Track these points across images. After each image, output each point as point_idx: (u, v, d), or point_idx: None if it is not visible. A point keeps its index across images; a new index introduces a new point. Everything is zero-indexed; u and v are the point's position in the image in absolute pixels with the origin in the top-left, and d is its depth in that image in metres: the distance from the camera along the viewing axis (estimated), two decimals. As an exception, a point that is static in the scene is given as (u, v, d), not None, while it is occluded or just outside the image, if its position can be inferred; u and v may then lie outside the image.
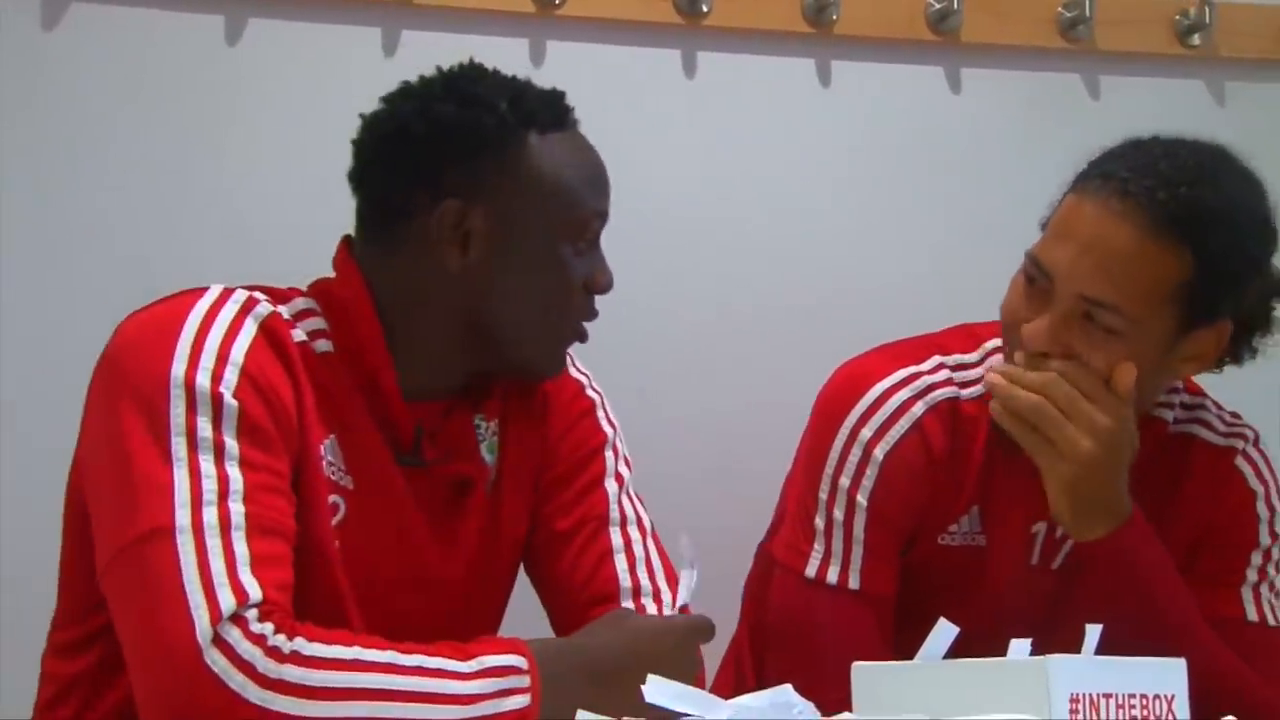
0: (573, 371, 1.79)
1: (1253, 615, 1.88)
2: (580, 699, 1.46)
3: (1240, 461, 1.91)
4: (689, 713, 1.29)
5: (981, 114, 2.51)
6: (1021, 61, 2.53)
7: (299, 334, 1.59)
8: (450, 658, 1.46)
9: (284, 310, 1.59)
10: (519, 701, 1.46)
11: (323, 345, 1.61)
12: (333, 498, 1.58)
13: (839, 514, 1.85)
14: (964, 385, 1.87)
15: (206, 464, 1.47)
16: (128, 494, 1.47)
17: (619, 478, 1.77)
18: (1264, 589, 1.89)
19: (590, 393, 1.80)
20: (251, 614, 1.42)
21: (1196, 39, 2.57)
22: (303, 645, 1.42)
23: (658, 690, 1.30)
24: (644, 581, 1.71)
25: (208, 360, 1.51)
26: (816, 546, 1.85)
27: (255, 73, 2.21)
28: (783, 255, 2.42)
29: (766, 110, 2.43)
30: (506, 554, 1.74)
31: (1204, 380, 1.94)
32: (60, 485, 1.62)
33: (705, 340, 2.38)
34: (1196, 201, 1.73)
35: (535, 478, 1.74)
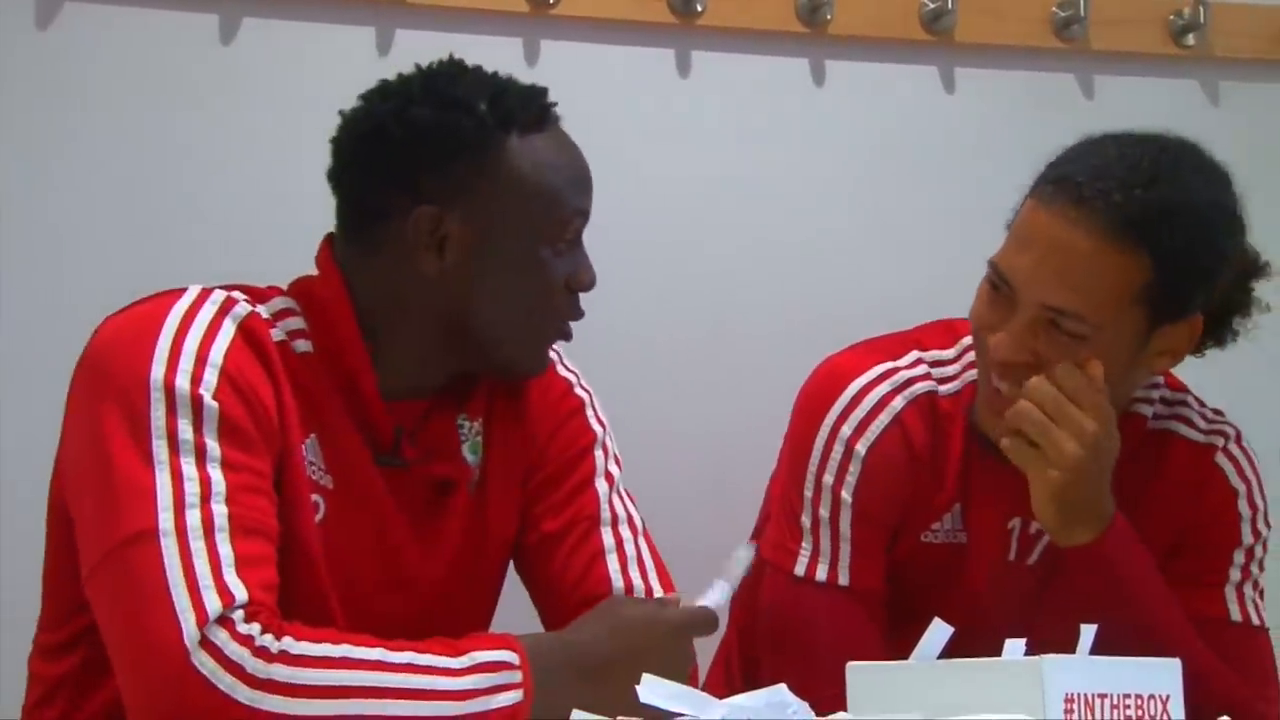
0: (560, 369, 1.78)
1: (1236, 615, 1.88)
2: (571, 693, 1.47)
3: (1221, 459, 1.91)
4: (683, 712, 1.29)
5: (976, 114, 2.51)
6: (1016, 61, 2.53)
7: (278, 334, 1.58)
8: (441, 654, 1.46)
9: (263, 310, 1.58)
10: (511, 697, 1.46)
11: (302, 345, 1.60)
12: (314, 497, 1.58)
13: (824, 511, 1.85)
14: (942, 381, 1.87)
15: (188, 466, 1.47)
16: (110, 498, 1.47)
17: (609, 477, 1.76)
18: (1247, 588, 1.89)
19: (579, 391, 1.79)
20: (238, 615, 1.42)
21: (1191, 39, 2.57)
22: (291, 644, 1.42)
23: (652, 690, 1.30)
24: (636, 581, 1.70)
25: (186, 362, 1.50)
26: (804, 545, 1.85)
27: (249, 72, 2.21)
28: (777, 255, 2.42)
29: (760, 110, 2.43)
30: (493, 554, 1.73)
31: (1201, 373, 1.93)
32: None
33: (699, 340, 2.38)
34: (1153, 202, 1.72)
35: (523, 477, 1.74)
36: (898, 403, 1.85)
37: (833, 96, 2.46)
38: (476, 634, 1.51)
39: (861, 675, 1.38)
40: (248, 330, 1.55)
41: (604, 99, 2.31)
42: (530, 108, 1.64)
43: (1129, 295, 1.73)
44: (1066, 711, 1.27)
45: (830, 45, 2.45)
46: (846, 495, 1.84)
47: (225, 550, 1.45)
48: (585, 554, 1.71)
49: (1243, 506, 1.90)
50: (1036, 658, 1.29)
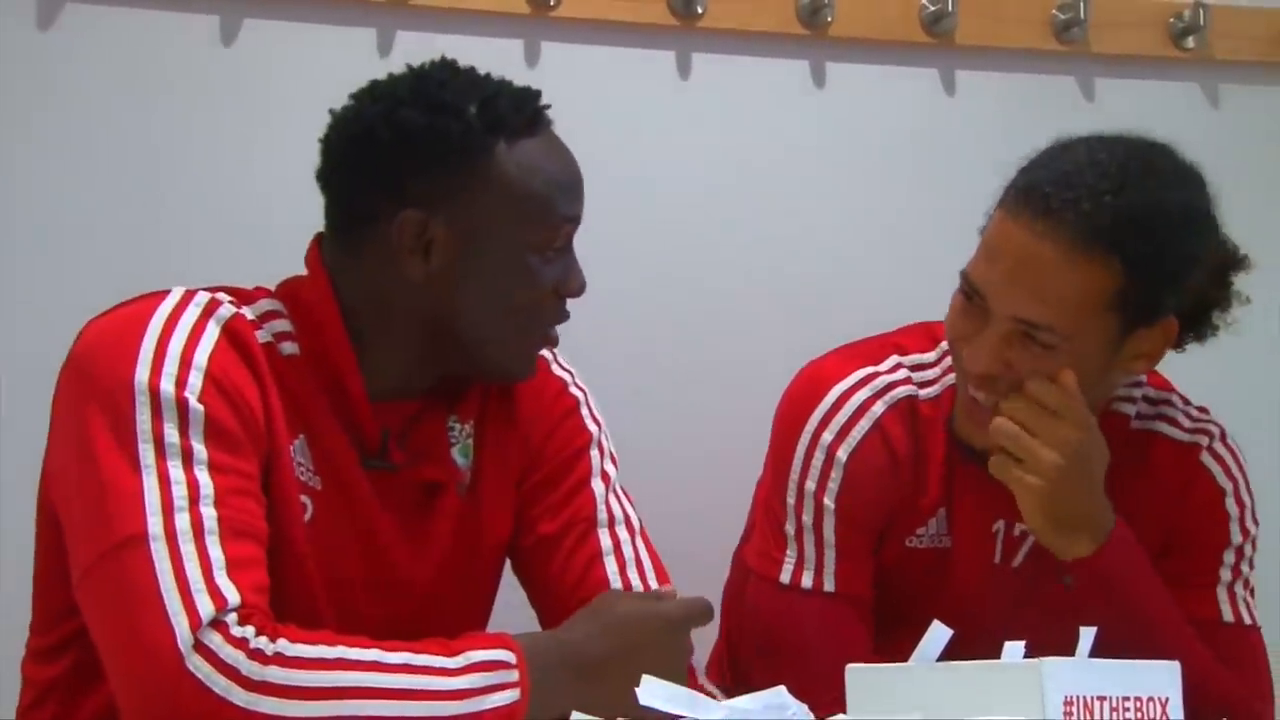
0: (555, 369, 1.78)
1: (1228, 616, 1.88)
2: (568, 691, 1.47)
3: (1206, 458, 1.91)
4: (683, 714, 1.29)
5: (976, 116, 2.51)
6: (1016, 64, 2.53)
7: (264, 335, 1.58)
8: (436, 654, 1.46)
9: (248, 312, 1.58)
10: (508, 696, 1.46)
11: (288, 347, 1.60)
12: (302, 498, 1.58)
13: (808, 519, 1.85)
14: (922, 385, 1.88)
15: (175, 470, 1.47)
16: (98, 504, 1.47)
17: (605, 476, 1.76)
18: (1238, 588, 1.89)
19: (573, 391, 1.78)
20: (231, 618, 1.42)
21: (1191, 41, 2.58)
22: (285, 646, 1.42)
23: (651, 692, 1.30)
24: (635, 582, 1.70)
25: (171, 365, 1.50)
26: (789, 553, 1.85)
27: (250, 73, 2.21)
28: (777, 256, 2.42)
29: (761, 112, 2.43)
30: (486, 557, 1.73)
31: (1193, 366, 1.93)
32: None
33: (699, 340, 2.38)
34: (1122, 209, 1.71)
35: (518, 479, 1.74)
36: (878, 408, 1.85)
37: (833, 99, 2.46)
38: (472, 634, 1.51)
39: (861, 677, 1.38)
40: (232, 332, 1.55)
41: (604, 101, 2.32)
42: (521, 112, 1.63)
43: (1100, 304, 1.73)
44: (1066, 714, 1.27)
45: (831, 47, 2.45)
46: (829, 502, 1.84)
47: (216, 553, 1.45)
48: (583, 556, 1.71)
49: (1230, 505, 1.90)
50: (1036, 660, 1.29)
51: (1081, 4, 2.49)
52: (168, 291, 1.57)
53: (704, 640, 1.87)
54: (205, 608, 1.41)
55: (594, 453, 1.76)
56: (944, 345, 1.89)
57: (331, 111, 1.66)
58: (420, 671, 1.44)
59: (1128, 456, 1.87)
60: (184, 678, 1.39)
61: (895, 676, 1.37)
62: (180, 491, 1.46)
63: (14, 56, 2.12)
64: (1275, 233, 2.65)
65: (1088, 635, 1.36)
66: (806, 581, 1.84)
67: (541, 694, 1.47)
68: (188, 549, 1.44)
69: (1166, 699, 1.33)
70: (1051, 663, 1.29)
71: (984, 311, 1.75)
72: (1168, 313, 1.78)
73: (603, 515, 1.73)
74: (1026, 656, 1.32)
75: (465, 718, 1.44)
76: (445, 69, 1.66)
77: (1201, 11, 2.55)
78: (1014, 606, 1.86)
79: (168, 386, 1.49)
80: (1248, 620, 1.89)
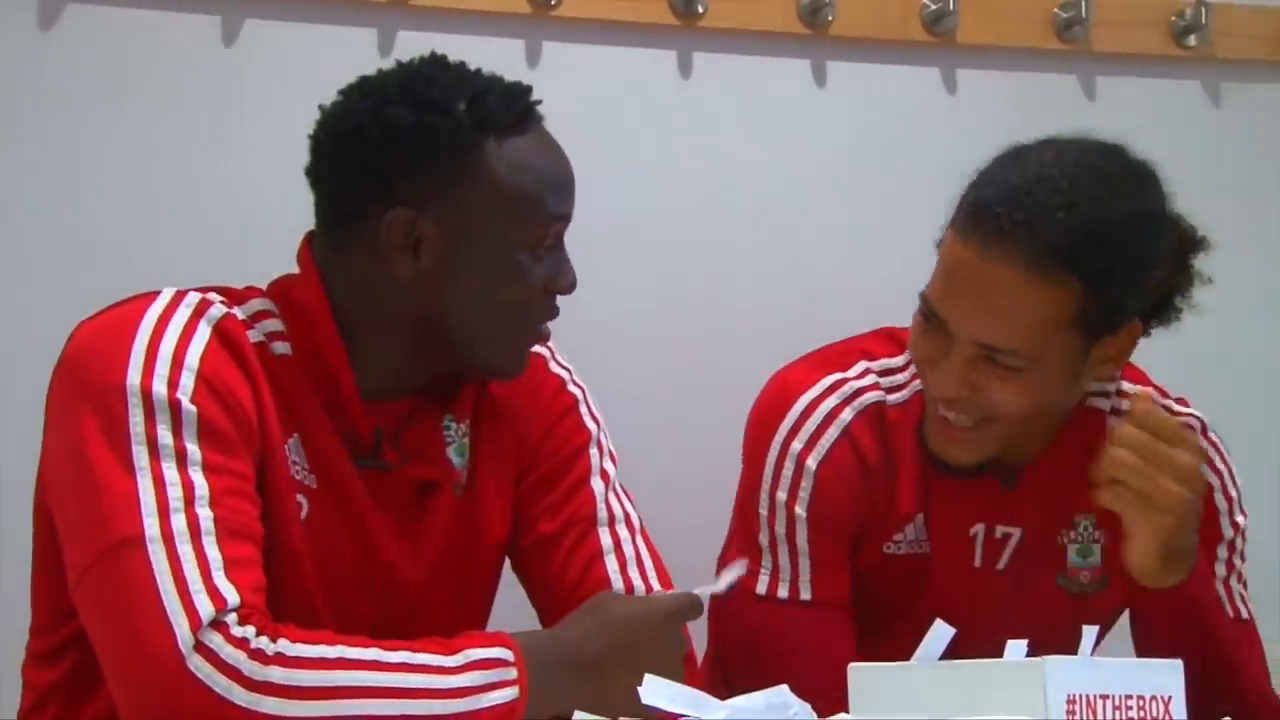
0: (552, 366, 1.77)
1: (1229, 612, 1.87)
2: (566, 690, 1.47)
3: None
4: (685, 713, 1.29)
5: (977, 115, 2.51)
6: (1017, 63, 2.53)
7: (255, 335, 1.58)
8: (435, 653, 1.46)
9: (239, 312, 1.58)
10: (507, 694, 1.46)
11: (280, 347, 1.60)
12: (298, 497, 1.58)
13: (780, 529, 1.84)
14: (890, 390, 1.87)
15: (170, 471, 1.46)
16: (92, 506, 1.47)
17: (604, 475, 1.75)
18: (1233, 582, 1.89)
19: (571, 388, 1.77)
20: (231, 618, 1.42)
21: (1193, 40, 2.57)
22: (286, 646, 1.42)
23: (653, 691, 1.30)
24: (636, 582, 1.70)
25: (163, 367, 1.50)
26: (764, 564, 1.84)
27: (251, 73, 2.21)
28: (778, 256, 2.42)
29: (762, 111, 2.43)
30: (483, 556, 1.72)
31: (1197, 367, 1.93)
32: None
33: (699, 340, 2.38)
34: (1074, 227, 1.69)
35: (516, 478, 1.73)
36: (846, 415, 1.85)
37: (834, 98, 2.46)
38: (469, 633, 1.51)
39: (863, 676, 1.38)
40: (223, 332, 1.55)
41: (605, 101, 2.31)
42: (511, 108, 1.62)
43: (1063, 322, 1.71)
44: (1069, 712, 1.27)
45: (832, 46, 2.45)
46: (801, 511, 1.84)
47: (213, 553, 1.44)
48: (583, 555, 1.71)
49: (1219, 500, 1.90)
50: (1038, 658, 1.29)
51: (1083, 3, 2.49)
52: (158, 292, 1.57)
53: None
54: (205, 608, 1.41)
55: (593, 451, 1.75)
56: None
57: (321, 108, 1.65)
58: (419, 670, 1.44)
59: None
60: (185, 678, 1.39)
61: (897, 675, 1.36)
62: (175, 493, 1.46)
63: (15, 57, 2.12)
64: (1277, 231, 2.65)
65: (1090, 634, 1.36)
66: (782, 592, 1.84)
67: (540, 692, 1.47)
68: (185, 550, 1.44)
69: (1169, 698, 1.33)
70: (1054, 661, 1.28)
71: (946, 333, 1.74)
72: (1131, 317, 1.77)
73: (602, 514, 1.73)
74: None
75: (465, 716, 1.44)
76: (434, 65, 1.65)
77: (1203, 10, 2.55)
78: (1001, 610, 1.84)
79: (160, 388, 1.49)
80: (1245, 615, 1.89)
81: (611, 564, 1.70)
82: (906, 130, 2.49)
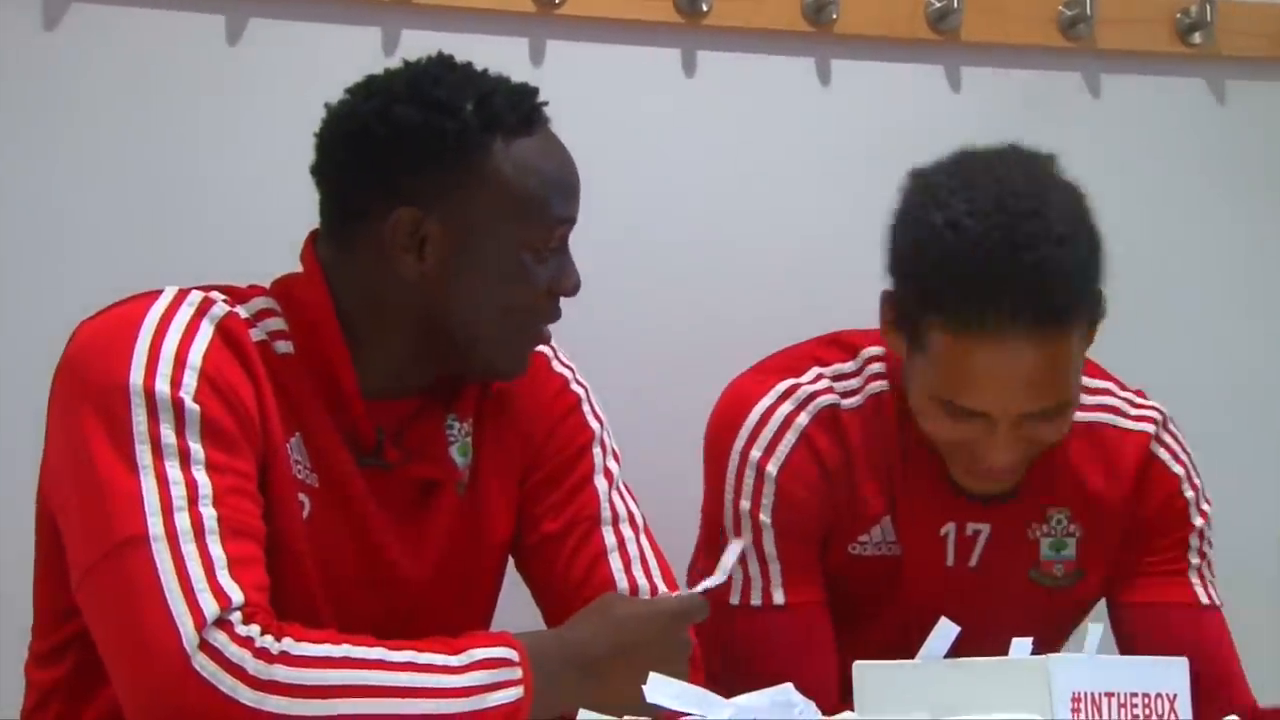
0: (555, 366, 1.77)
1: (1204, 599, 1.90)
2: (571, 689, 1.47)
3: (1156, 446, 1.92)
4: (689, 711, 1.29)
5: (982, 113, 2.51)
6: (1022, 60, 2.53)
7: (258, 334, 1.58)
8: (440, 652, 1.46)
9: (242, 310, 1.58)
10: (512, 694, 1.46)
11: (283, 346, 1.60)
12: (300, 496, 1.58)
13: (747, 538, 1.85)
14: (845, 395, 1.88)
15: (173, 470, 1.47)
16: (96, 506, 1.47)
17: (608, 474, 1.75)
18: (1205, 570, 1.92)
19: (575, 388, 1.78)
20: (235, 617, 1.42)
21: (1197, 37, 2.57)
22: (291, 645, 1.42)
23: (658, 689, 1.30)
24: (640, 581, 1.70)
25: (165, 366, 1.50)
26: (734, 574, 1.85)
27: (256, 72, 2.21)
28: (782, 254, 2.42)
29: (766, 109, 2.43)
30: (486, 555, 1.72)
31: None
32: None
33: (703, 338, 2.38)
34: (1084, 289, 1.71)
35: (520, 477, 1.73)
36: (802, 419, 1.86)
37: (838, 96, 2.46)
38: (474, 632, 1.51)
39: (868, 674, 1.38)
40: (226, 330, 1.55)
41: (609, 99, 2.31)
42: (518, 109, 1.62)
43: (1083, 352, 1.75)
44: (1073, 710, 1.27)
45: (836, 44, 2.44)
46: (766, 518, 1.84)
47: (217, 552, 1.44)
48: (587, 554, 1.71)
49: (1186, 491, 1.92)
50: (1043, 656, 1.29)
51: (1088, 0, 2.49)
52: (160, 291, 1.57)
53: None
54: (209, 607, 1.41)
55: (596, 450, 1.75)
56: (864, 354, 1.90)
57: (327, 106, 1.65)
58: (424, 669, 1.44)
59: (1079, 449, 1.89)
60: (190, 677, 1.39)
61: (903, 674, 1.36)
62: (179, 492, 1.46)
63: (20, 56, 2.13)
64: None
65: (1095, 632, 1.36)
66: (756, 599, 1.84)
67: (545, 691, 1.47)
68: (189, 549, 1.44)
69: (1175, 695, 1.33)
70: (1059, 659, 1.29)
71: (984, 417, 1.74)
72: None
73: (606, 513, 1.73)
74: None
75: (470, 715, 1.44)
76: (441, 65, 1.65)
77: (1208, 7, 2.54)
78: (975, 607, 1.83)
79: (163, 387, 1.49)
80: (1217, 601, 1.92)
81: (615, 563, 1.70)
82: (911, 128, 2.48)
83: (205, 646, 1.40)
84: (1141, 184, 2.56)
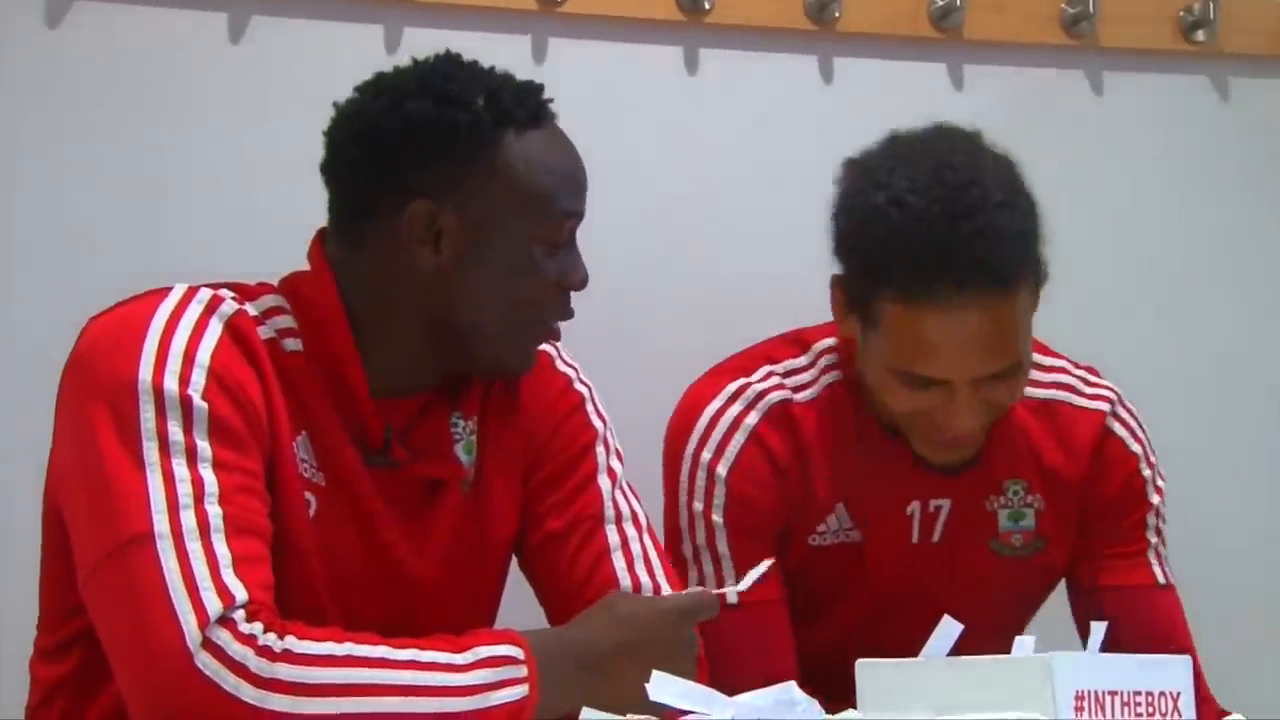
0: (559, 365, 1.78)
1: (1161, 579, 1.93)
2: (576, 688, 1.47)
3: (1113, 423, 1.94)
4: (693, 710, 1.29)
5: (984, 111, 2.48)
6: (1024, 58, 2.53)
7: (266, 331, 1.58)
8: (445, 650, 1.46)
9: (251, 308, 1.58)
10: (518, 692, 1.46)
11: (291, 344, 1.60)
12: (306, 494, 1.58)
13: (701, 538, 1.86)
14: (797, 389, 1.90)
15: (180, 467, 1.47)
16: (103, 503, 1.47)
17: (611, 473, 1.76)
18: (1161, 549, 1.95)
19: (578, 387, 1.78)
20: (239, 615, 1.42)
21: (1201, 35, 2.57)
22: (294, 643, 1.42)
23: (661, 688, 1.30)
24: (644, 579, 1.70)
25: (174, 363, 1.50)
26: (690, 575, 1.86)
27: (258, 70, 2.21)
28: (785, 252, 2.42)
29: (769, 107, 2.42)
30: (491, 553, 1.72)
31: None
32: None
33: (705, 337, 2.37)
34: (1025, 252, 1.74)
35: (524, 476, 1.73)
36: (751, 418, 1.87)
37: (841, 94, 2.46)
38: (479, 630, 1.51)
39: (871, 672, 1.38)
40: (234, 328, 1.55)
41: (612, 97, 2.31)
42: (526, 105, 1.63)
43: (1032, 309, 1.78)
44: (1077, 709, 1.27)
45: (838, 43, 2.44)
46: (718, 518, 1.86)
47: (222, 550, 1.44)
48: (591, 553, 1.71)
49: (1144, 469, 1.95)
50: (1047, 654, 1.29)
51: (1090, -2, 2.49)
52: (169, 289, 1.57)
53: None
54: (213, 605, 1.41)
55: (599, 449, 1.76)
56: (816, 348, 1.92)
57: (335, 104, 1.66)
58: (429, 668, 1.44)
59: (1037, 426, 1.91)
60: (193, 675, 1.39)
61: (905, 672, 1.36)
62: (185, 489, 1.46)
63: (23, 54, 2.12)
64: (1285, 226, 2.64)
65: (1098, 630, 1.36)
66: None
67: (550, 689, 1.47)
68: (194, 546, 1.44)
69: (1178, 694, 1.33)
70: (1062, 657, 1.29)
71: (943, 385, 1.77)
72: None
73: (609, 512, 1.73)
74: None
75: (475, 713, 1.44)
76: (450, 63, 1.66)
77: (1211, 5, 2.54)
78: (940, 581, 1.89)
79: (171, 384, 1.49)
80: (1172, 580, 1.94)
81: (619, 561, 1.70)
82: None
83: (208, 644, 1.40)
84: (1145, 181, 2.56)
